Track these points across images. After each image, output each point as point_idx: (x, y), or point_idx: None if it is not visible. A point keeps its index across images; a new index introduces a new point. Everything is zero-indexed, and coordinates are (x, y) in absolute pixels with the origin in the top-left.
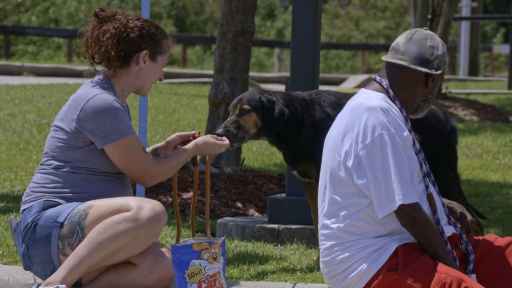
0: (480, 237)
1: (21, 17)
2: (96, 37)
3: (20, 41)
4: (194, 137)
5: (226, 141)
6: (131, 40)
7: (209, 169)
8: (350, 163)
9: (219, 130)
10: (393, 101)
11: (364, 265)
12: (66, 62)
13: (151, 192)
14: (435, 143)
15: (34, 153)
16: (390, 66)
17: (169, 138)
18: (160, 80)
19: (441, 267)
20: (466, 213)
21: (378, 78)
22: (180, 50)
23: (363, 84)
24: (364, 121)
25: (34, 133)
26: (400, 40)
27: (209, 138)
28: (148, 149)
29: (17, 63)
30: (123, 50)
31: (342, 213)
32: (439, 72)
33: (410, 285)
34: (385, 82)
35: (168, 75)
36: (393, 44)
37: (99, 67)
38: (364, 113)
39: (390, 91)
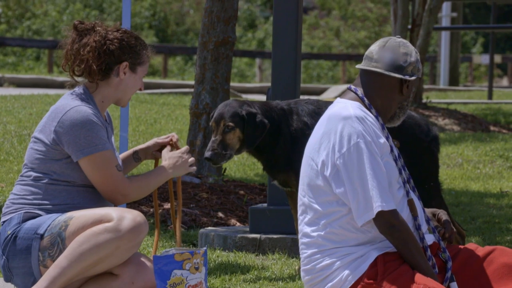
0: (461, 246)
1: (1, 28)
2: (76, 50)
3: None
4: (171, 143)
5: (191, 158)
6: (111, 53)
7: (191, 179)
8: (327, 172)
9: (208, 154)
10: (368, 109)
11: (345, 273)
12: (47, 73)
13: (133, 203)
14: (417, 151)
15: (15, 164)
16: (364, 74)
17: (148, 143)
18: (140, 90)
19: (418, 277)
20: (451, 220)
21: (353, 87)
22: (161, 61)
23: None
24: (340, 130)
25: (15, 144)
26: (373, 48)
27: (180, 157)
28: (128, 152)
29: None
30: (103, 63)
31: (322, 221)
32: (413, 78)
33: None
34: (360, 91)
35: (149, 86)
36: (366, 53)
37: (79, 78)
38: (340, 122)
39: (365, 99)
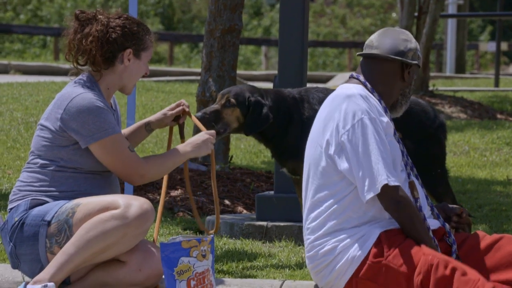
0: (468, 234)
1: (7, 15)
2: (79, 41)
3: (6, 39)
4: (184, 113)
5: (213, 137)
6: (114, 41)
7: (198, 167)
8: (332, 150)
9: (198, 114)
10: (371, 93)
11: (349, 255)
12: (53, 60)
13: (139, 190)
14: (424, 138)
15: (22, 151)
16: (366, 61)
17: (159, 116)
18: (146, 74)
19: (426, 249)
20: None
21: (355, 74)
22: (167, 48)
23: None
24: (344, 108)
25: (22, 131)
26: (373, 37)
27: (203, 136)
28: (138, 123)
29: (4, 62)
30: (107, 52)
31: (325, 203)
32: (414, 62)
33: (397, 269)
34: (362, 77)
35: (155, 73)
36: (367, 42)
37: (84, 67)
38: (344, 100)
39: (368, 84)
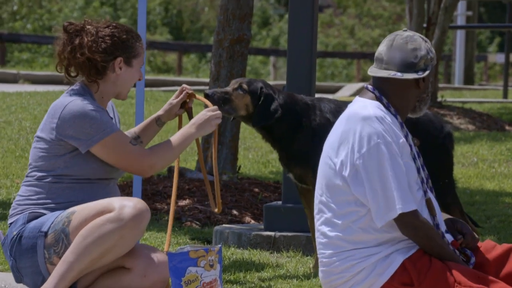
0: (479, 244)
1: (16, 25)
2: (69, 53)
3: (14, 48)
4: (190, 96)
5: (215, 113)
6: (104, 51)
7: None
8: (346, 172)
9: (208, 91)
10: (387, 108)
11: (370, 277)
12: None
13: (147, 200)
14: (431, 148)
15: None
16: (376, 76)
17: (167, 107)
18: (140, 79)
19: (459, 277)
20: (464, 218)
21: (370, 87)
22: (175, 58)
23: (358, 93)
24: (359, 130)
25: (30, 141)
26: (382, 49)
27: (204, 115)
28: (147, 120)
29: (13, 71)
30: (98, 62)
31: (341, 221)
32: (427, 73)
33: None
34: (377, 92)
35: (163, 83)
36: (376, 54)
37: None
38: (359, 122)
39: (384, 99)
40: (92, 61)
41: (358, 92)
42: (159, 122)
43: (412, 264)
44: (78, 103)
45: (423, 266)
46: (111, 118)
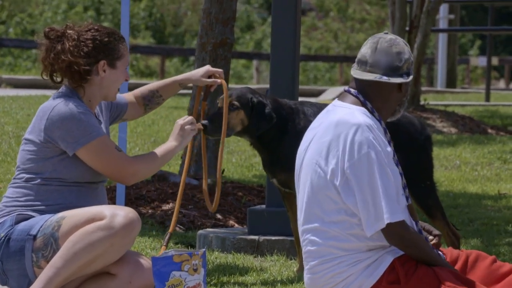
0: (442, 250)
1: None
2: (52, 59)
3: None
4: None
5: (190, 124)
6: (86, 55)
7: (189, 181)
8: (337, 181)
9: (203, 122)
10: (371, 113)
11: (359, 280)
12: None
13: (131, 204)
14: (412, 150)
15: (13, 165)
16: (359, 79)
17: (192, 80)
18: (126, 80)
19: (445, 278)
20: (446, 221)
21: (352, 90)
22: (158, 62)
23: None
24: (350, 138)
25: (13, 145)
26: (365, 51)
27: (176, 126)
28: (170, 80)
29: None
30: (80, 66)
31: (331, 229)
32: (411, 77)
33: None
34: (361, 96)
35: None
36: (359, 56)
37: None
38: (350, 130)
39: (368, 104)
40: (75, 65)
41: None
42: (182, 85)
43: (400, 263)
44: (67, 105)
45: (410, 267)
46: (100, 122)
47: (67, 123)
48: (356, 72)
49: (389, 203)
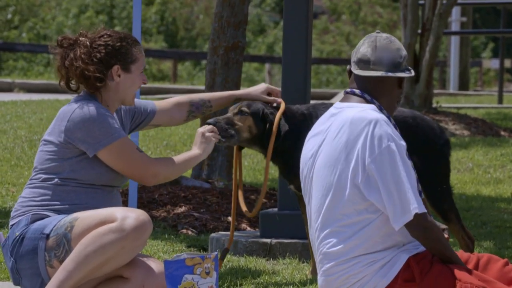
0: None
1: (11, 34)
2: (67, 67)
3: (9, 57)
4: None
5: (211, 133)
6: (99, 61)
7: (201, 184)
8: (358, 179)
9: (210, 120)
10: (381, 111)
11: (373, 280)
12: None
13: (143, 207)
14: (431, 154)
15: (26, 169)
16: (363, 78)
17: (257, 93)
18: (144, 83)
19: (459, 274)
20: (461, 225)
21: (356, 91)
22: (170, 66)
23: None
24: (370, 134)
25: (26, 149)
26: (365, 50)
27: (198, 135)
28: (228, 94)
29: (8, 80)
30: (92, 73)
31: (349, 230)
32: (412, 71)
33: None
34: (367, 95)
35: (159, 91)
36: (359, 56)
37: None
38: (367, 126)
39: (376, 102)
40: (86, 72)
41: None
42: (236, 101)
43: (415, 261)
44: (88, 107)
45: (425, 265)
46: (120, 125)
47: (88, 125)
48: (359, 71)
49: (415, 194)
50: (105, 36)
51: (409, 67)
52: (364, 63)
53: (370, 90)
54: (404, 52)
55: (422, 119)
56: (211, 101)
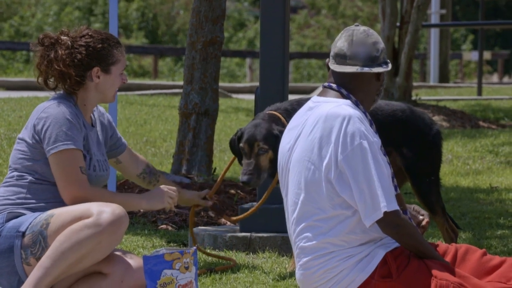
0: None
1: None
2: (46, 66)
3: None
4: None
5: (175, 194)
6: (80, 62)
7: (181, 180)
8: (331, 175)
9: (244, 178)
10: (356, 105)
11: (351, 275)
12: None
13: None
14: (422, 146)
15: (4, 167)
16: (340, 73)
17: (189, 197)
18: (124, 83)
19: (436, 271)
20: (446, 216)
21: (334, 85)
22: (151, 62)
23: None
24: (342, 130)
25: (5, 147)
26: (342, 44)
27: (161, 190)
28: (161, 178)
29: None
30: (74, 73)
31: (325, 225)
32: (389, 65)
33: None
34: (344, 90)
35: (139, 87)
36: (336, 51)
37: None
38: (340, 122)
39: (352, 96)
40: (67, 73)
41: None
42: (154, 180)
43: (393, 257)
44: (57, 107)
45: (402, 262)
46: (83, 137)
47: (52, 125)
48: (335, 66)
49: (385, 192)
50: (86, 37)
51: (387, 60)
52: (340, 57)
53: (347, 85)
54: (381, 45)
55: (411, 111)
56: (160, 178)
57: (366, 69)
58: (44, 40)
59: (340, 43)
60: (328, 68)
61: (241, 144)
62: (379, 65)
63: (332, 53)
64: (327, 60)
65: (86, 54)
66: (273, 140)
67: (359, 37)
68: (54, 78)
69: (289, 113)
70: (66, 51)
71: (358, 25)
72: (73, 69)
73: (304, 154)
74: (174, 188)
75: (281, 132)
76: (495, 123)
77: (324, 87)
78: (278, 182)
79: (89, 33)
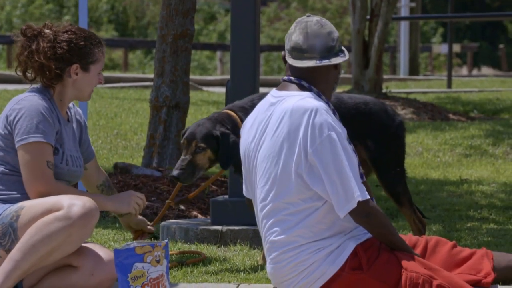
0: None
1: None
2: (26, 57)
3: None
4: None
5: (143, 199)
6: (60, 57)
7: (152, 173)
8: (302, 169)
9: (175, 172)
10: (319, 97)
11: (321, 267)
12: (6, 68)
13: None
14: (385, 137)
15: None
16: (298, 67)
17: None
18: (101, 83)
19: (406, 263)
20: (413, 208)
21: (293, 78)
22: (121, 55)
23: None
24: (310, 123)
25: None
26: (297, 38)
27: (129, 194)
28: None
29: None
30: (52, 70)
31: (294, 218)
32: (347, 53)
33: (376, 284)
34: (305, 82)
35: (109, 80)
36: (291, 44)
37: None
38: (307, 115)
39: (314, 88)
40: (47, 66)
41: None
42: (105, 191)
43: (363, 250)
44: (32, 100)
45: (372, 254)
46: (55, 132)
47: (24, 116)
48: (294, 61)
49: (357, 182)
50: (69, 32)
51: (342, 48)
52: (297, 51)
53: (306, 77)
54: (336, 34)
55: (374, 103)
56: (114, 194)
57: (325, 62)
58: (26, 31)
59: (295, 36)
60: (285, 61)
61: (181, 140)
62: (336, 54)
63: (287, 47)
64: (283, 53)
65: (68, 49)
66: (212, 140)
67: (313, 28)
68: (33, 70)
69: (247, 110)
70: (48, 44)
71: (310, 16)
72: (53, 62)
73: (272, 150)
74: (142, 195)
75: (222, 134)
76: (464, 115)
77: (284, 80)
78: (225, 175)
79: (73, 30)
